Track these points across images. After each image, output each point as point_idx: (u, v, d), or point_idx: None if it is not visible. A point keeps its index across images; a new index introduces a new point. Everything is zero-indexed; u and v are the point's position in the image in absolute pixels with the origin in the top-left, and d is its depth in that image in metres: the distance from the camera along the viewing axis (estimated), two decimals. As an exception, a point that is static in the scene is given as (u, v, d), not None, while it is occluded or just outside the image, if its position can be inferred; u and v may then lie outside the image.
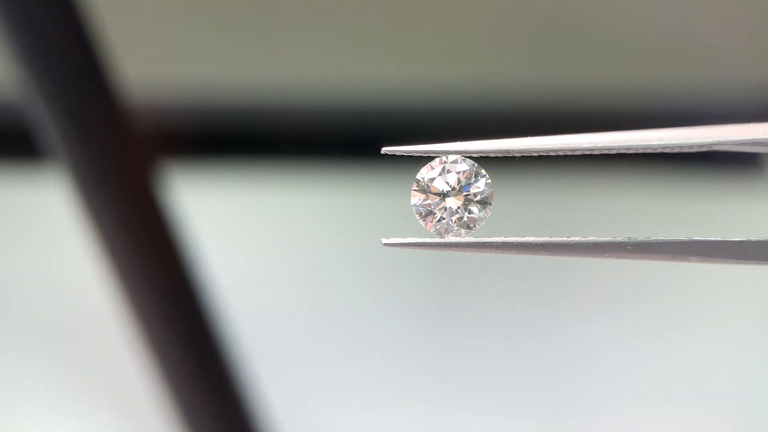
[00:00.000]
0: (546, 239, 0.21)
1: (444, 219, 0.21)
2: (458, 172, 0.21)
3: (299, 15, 0.57)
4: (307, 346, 0.48)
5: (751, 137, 0.20)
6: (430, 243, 0.21)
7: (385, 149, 0.21)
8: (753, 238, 0.21)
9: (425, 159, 0.22)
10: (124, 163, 0.36)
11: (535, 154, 0.21)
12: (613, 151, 0.21)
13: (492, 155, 0.21)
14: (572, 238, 0.21)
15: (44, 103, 0.34)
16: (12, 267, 0.52)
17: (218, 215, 0.53)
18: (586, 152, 0.21)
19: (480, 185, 0.21)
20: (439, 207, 0.21)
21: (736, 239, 0.21)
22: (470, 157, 0.21)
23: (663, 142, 0.21)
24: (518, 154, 0.21)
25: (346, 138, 0.58)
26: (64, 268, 0.51)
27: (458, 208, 0.21)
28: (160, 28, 0.57)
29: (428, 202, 0.21)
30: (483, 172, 0.21)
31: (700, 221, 0.51)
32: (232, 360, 0.39)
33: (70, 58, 0.34)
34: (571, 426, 0.44)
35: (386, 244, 0.21)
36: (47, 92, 0.34)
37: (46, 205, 0.53)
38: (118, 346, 0.46)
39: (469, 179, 0.21)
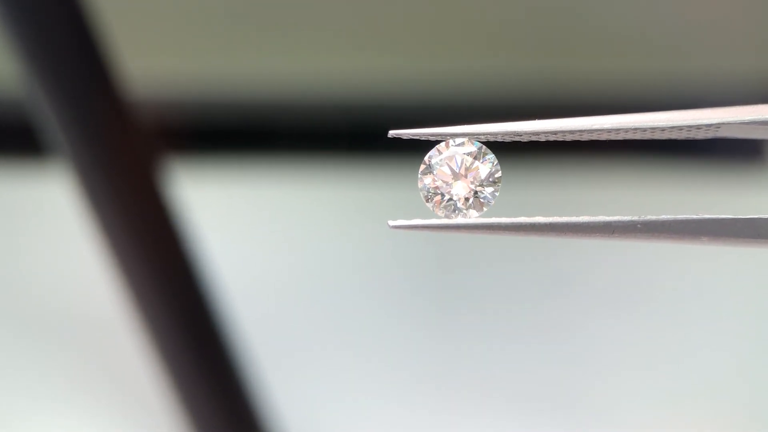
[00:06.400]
0: (554, 219, 0.21)
1: (452, 201, 0.21)
2: (465, 154, 0.21)
3: (301, 9, 0.57)
4: (310, 343, 0.48)
5: (758, 117, 0.20)
6: (438, 225, 0.21)
7: (392, 132, 0.21)
8: (764, 215, 0.21)
9: (429, 145, 0.22)
10: (127, 158, 0.36)
11: (542, 138, 0.21)
12: (621, 134, 0.21)
13: (499, 138, 0.21)
14: (581, 218, 0.21)
15: (47, 98, 0.34)
16: (15, 263, 0.52)
17: (222, 210, 0.53)
18: (594, 134, 0.21)
19: (487, 166, 0.21)
20: (446, 189, 0.21)
21: (747, 216, 0.21)
22: (477, 140, 0.21)
23: (671, 123, 0.21)
24: (526, 138, 0.21)
25: (350, 131, 0.58)
26: (68, 264, 0.51)
27: (466, 189, 0.21)
28: (163, 23, 0.57)
29: (436, 184, 0.21)
30: (490, 153, 0.21)
31: (704, 210, 0.51)
32: (235, 355, 0.39)
33: (73, 53, 0.34)
34: (574, 426, 0.44)
35: (393, 227, 0.21)
36: (50, 87, 0.34)
37: (49, 201, 0.53)
38: (123, 342, 0.46)
39: (477, 161, 0.21)
